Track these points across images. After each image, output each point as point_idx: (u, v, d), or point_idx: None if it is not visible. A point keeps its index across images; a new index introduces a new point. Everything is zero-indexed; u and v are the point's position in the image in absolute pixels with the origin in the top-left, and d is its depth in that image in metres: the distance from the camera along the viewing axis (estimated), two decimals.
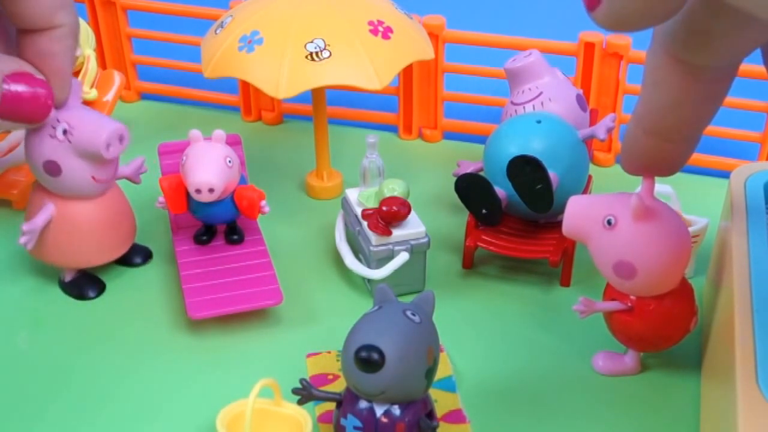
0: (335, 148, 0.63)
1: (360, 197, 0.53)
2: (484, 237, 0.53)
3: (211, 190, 0.49)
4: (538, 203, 0.50)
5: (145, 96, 0.76)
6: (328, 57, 0.52)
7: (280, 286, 0.50)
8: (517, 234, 0.54)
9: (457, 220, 0.58)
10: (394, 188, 0.51)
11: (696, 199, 0.57)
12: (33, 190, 0.50)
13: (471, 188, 0.52)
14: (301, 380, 0.39)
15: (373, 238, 0.50)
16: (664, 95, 0.35)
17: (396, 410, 0.37)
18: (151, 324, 0.50)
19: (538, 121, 0.53)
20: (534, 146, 0.51)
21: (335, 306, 0.52)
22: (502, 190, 0.52)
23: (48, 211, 0.49)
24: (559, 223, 0.44)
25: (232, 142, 0.53)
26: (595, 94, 0.64)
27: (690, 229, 0.48)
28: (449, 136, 0.71)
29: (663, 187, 0.50)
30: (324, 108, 0.60)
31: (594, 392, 0.45)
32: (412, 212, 0.51)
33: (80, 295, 0.52)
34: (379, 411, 0.37)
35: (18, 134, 0.58)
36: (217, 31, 0.55)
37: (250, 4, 0.56)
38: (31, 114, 0.45)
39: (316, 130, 0.61)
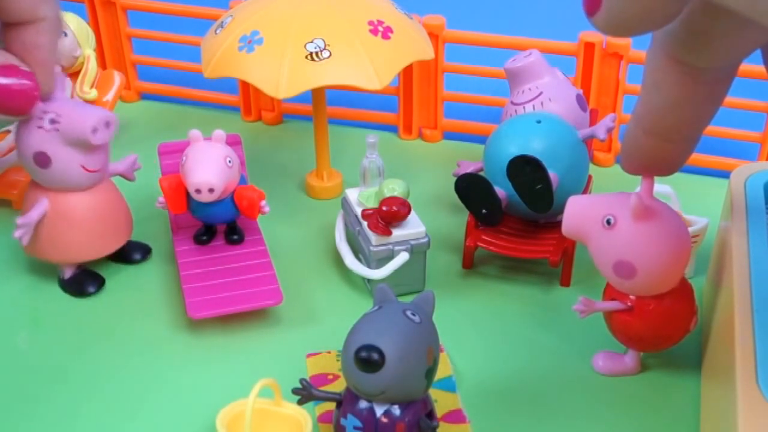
0: (335, 148, 0.63)
1: (360, 197, 0.53)
2: (484, 237, 0.53)
3: (211, 190, 0.49)
4: (538, 203, 0.50)
5: (145, 96, 0.76)
6: (328, 57, 0.52)
7: (280, 286, 0.50)
8: (517, 234, 0.54)
9: (457, 220, 0.58)
10: (394, 188, 0.51)
11: (696, 199, 0.57)
12: (28, 189, 0.51)
13: (471, 188, 0.52)
14: (301, 380, 0.39)
15: (373, 238, 0.50)
16: (663, 96, 0.35)
17: (396, 410, 0.37)
18: (150, 323, 0.50)
19: (538, 121, 0.53)
20: (534, 146, 0.51)
21: (335, 306, 0.52)
22: (502, 190, 0.52)
23: (42, 205, 0.49)
24: (559, 223, 0.44)
25: (232, 142, 0.53)
26: (595, 94, 0.64)
27: (690, 229, 0.48)
28: (449, 136, 0.71)
29: (663, 187, 0.50)
30: (324, 108, 0.60)
31: (594, 392, 0.45)
32: (412, 212, 0.51)
33: (80, 291, 0.52)
34: (379, 411, 0.37)
35: None
36: (217, 31, 0.55)
37: (250, 4, 0.56)
38: (18, 106, 0.46)
39: (316, 130, 0.61)
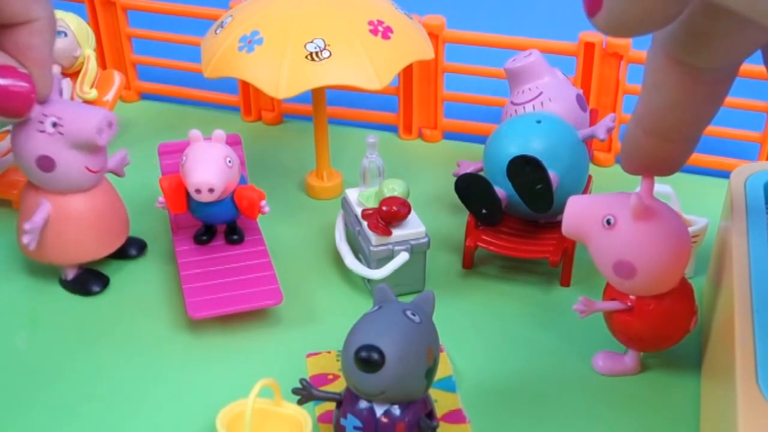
0: (335, 148, 0.63)
1: (360, 197, 0.53)
2: (484, 237, 0.53)
3: (211, 190, 0.49)
4: (538, 203, 0.50)
5: (145, 96, 0.76)
6: (328, 57, 0.52)
7: (280, 286, 0.50)
8: (517, 234, 0.54)
9: (457, 220, 0.58)
10: (394, 188, 0.51)
11: (696, 199, 0.57)
12: (25, 191, 0.51)
13: (471, 188, 0.52)
14: (301, 380, 0.39)
15: (373, 238, 0.50)
16: (664, 96, 0.35)
17: (396, 410, 0.37)
18: (150, 323, 0.50)
19: (538, 121, 0.53)
20: (534, 146, 0.51)
21: (335, 306, 0.52)
22: (502, 190, 0.52)
23: (45, 208, 0.49)
24: (559, 223, 0.44)
25: (232, 142, 0.53)
26: (595, 94, 0.64)
27: (690, 229, 0.48)
28: (449, 136, 0.71)
29: (663, 187, 0.50)
30: (324, 108, 0.60)
31: (594, 392, 0.45)
32: (412, 212, 0.51)
33: (85, 291, 0.52)
34: (379, 411, 0.37)
35: None
36: (217, 31, 0.55)
37: (250, 4, 0.56)
38: (14, 107, 0.45)
39: (316, 130, 0.61)
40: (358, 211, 0.52)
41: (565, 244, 0.52)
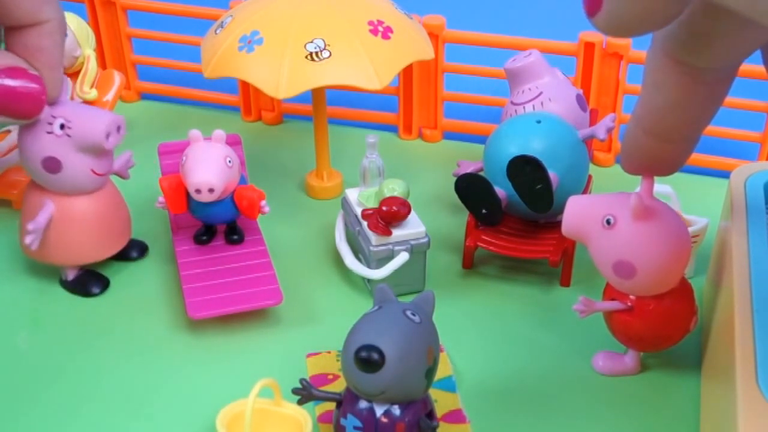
0: (335, 148, 0.63)
1: (360, 197, 0.53)
2: (484, 237, 0.53)
3: (211, 190, 0.49)
4: (538, 203, 0.50)
5: (145, 96, 0.76)
6: (328, 57, 0.52)
7: (280, 286, 0.50)
8: (517, 234, 0.54)
9: (457, 220, 0.58)
10: (394, 188, 0.51)
11: (696, 199, 0.57)
12: (28, 190, 0.50)
13: (471, 188, 0.52)
14: (301, 380, 0.39)
15: (373, 238, 0.50)
16: (663, 96, 0.35)
17: (396, 410, 0.37)
18: (150, 323, 0.50)
19: (538, 121, 0.53)
20: (534, 146, 0.51)
21: (335, 306, 0.52)
22: (502, 190, 0.52)
23: (49, 209, 0.49)
24: (559, 223, 0.44)
25: (232, 142, 0.53)
26: (595, 94, 0.64)
27: (690, 229, 0.48)
28: (449, 136, 0.71)
29: (663, 187, 0.50)
30: (324, 108, 0.60)
31: (594, 392, 0.45)
32: (412, 212, 0.51)
33: (85, 292, 0.52)
34: (379, 411, 0.37)
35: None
36: (217, 31, 0.55)
37: (250, 4, 0.56)
38: (25, 109, 0.45)
39: (316, 130, 0.61)
40: (358, 211, 0.52)
41: (565, 244, 0.52)
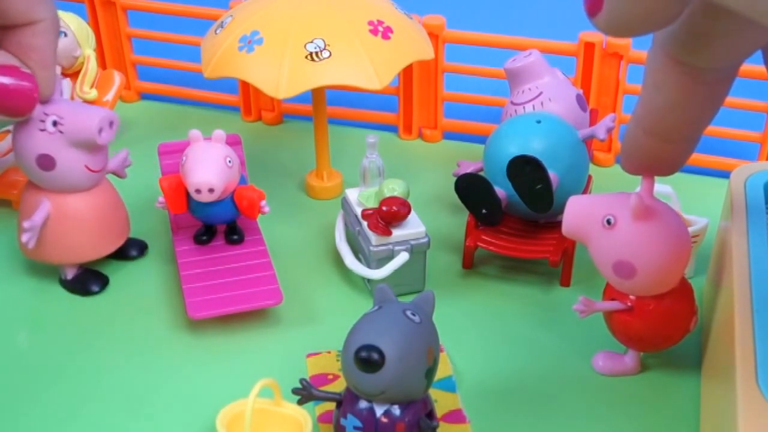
0: (335, 148, 0.63)
1: (360, 197, 0.53)
2: (484, 237, 0.53)
3: (211, 190, 0.49)
4: (538, 203, 0.50)
5: (145, 96, 0.76)
6: (328, 57, 0.52)
7: (280, 286, 0.50)
8: (517, 234, 0.54)
9: (457, 220, 0.58)
10: (394, 188, 0.51)
11: (696, 199, 0.57)
12: (25, 190, 0.51)
13: (471, 188, 0.52)
14: (301, 380, 0.39)
15: (373, 238, 0.50)
16: (664, 96, 0.35)
17: (396, 410, 0.37)
18: (150, 323, 0.50)
19: (538, 121, 0.53)
20: (534, 146, 0.51)
21: (335, 306, 0.52)
22: (502, 190, 0.52)
23: (45, 207, 0.49)
24: (559, 223, 0.44)
25: (232, 142, 0.53)
26: (595, 94, 0.64)
27: (690, 229, 0.48)
28: (449, 136, 0.71)
29: (663, 187, 0.50)
30: (324, 108, 0.60)
31: (594, 392, 0.45)
32: (412, 212, 0.51)
33: (84, 291, 0.52)
34: (379, 411, 0.37)
35: None
36: (217, 31, 0.55)
37: (250, 4, 0.56)
38: (16, 107, 0.45)
39: (316, 130, 0.61)
40: (358, 211, 0.52)
41: (565, 244, 0.52)
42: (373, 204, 0.52)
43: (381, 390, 0.36)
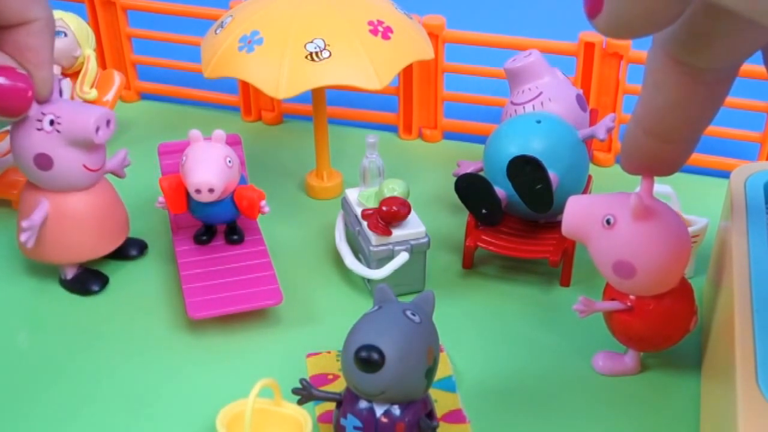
0: (335, 148, 0.63)
1: (360, 197, 0.53)
2: (484, 237, 0.53)
3: (211, 190, 0.49)
4: (538, 203, 0.50)
5: (145, 96, 0.76)
6: (328, 57, 0.52)
7: (280, 286, 0.50)
8: (517, 234, 0.54)
9: (457, 220, 0.58)
10: (394, 188, 0.51)
11: (696, 199, 0.57)
12: (24, 190, 0.51)
13: (471, 188, 0.52)
14: (301, 380, 0.39)
15: (373, 238, 0.50)
16: (664, 96, 0.35)
17: (396, 410, 0.37)
18: (150, 324, 0.50)
19: (538, 121, 0.53)
20: (534, 146, 0.51)
21: (335, 306, 0.52)
22: (502, 190, 0.52)
23: (44, 207, 0.49)
24: (559, 223, 0.44)
25: (232, 142, 0.53)
26: (595, 94, 0.64)
27: (690, 229, 0.48)
28: (449, 136, 0.71)
29: (663, 187, 0.50)
30: (324, 108, 0.60)
31: (594, 392, 0.45)
32: (412, 212, 0.51)
33: (84, 290, 0.52)
34: (379, 411, 0.37)
35: None
36: (217, 31, 0.55)
37: (250, 4, 0.56)
38: (11, 106, 0.45)
39: (316, 130, 0.61)
40: (358, 211, 0.52)
41: (565, 244, 0.52)
42: (373, 204, 0.52)
43: (381, 390, 0.36)
